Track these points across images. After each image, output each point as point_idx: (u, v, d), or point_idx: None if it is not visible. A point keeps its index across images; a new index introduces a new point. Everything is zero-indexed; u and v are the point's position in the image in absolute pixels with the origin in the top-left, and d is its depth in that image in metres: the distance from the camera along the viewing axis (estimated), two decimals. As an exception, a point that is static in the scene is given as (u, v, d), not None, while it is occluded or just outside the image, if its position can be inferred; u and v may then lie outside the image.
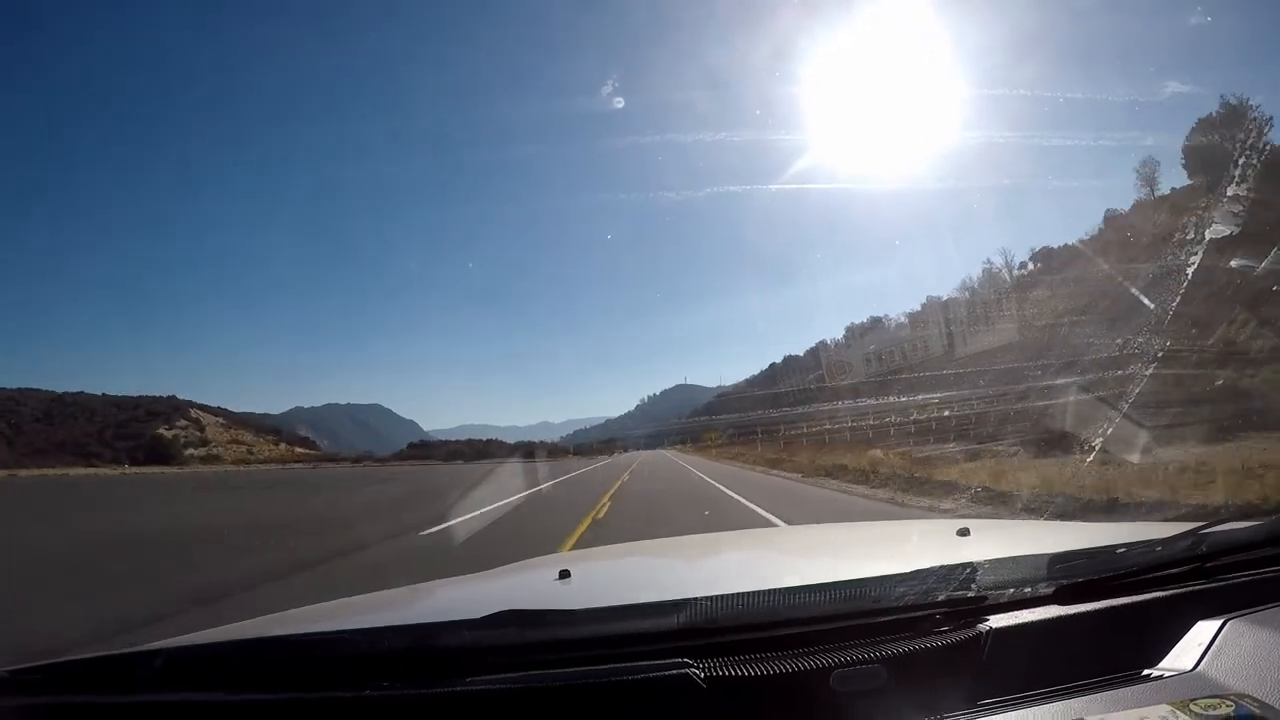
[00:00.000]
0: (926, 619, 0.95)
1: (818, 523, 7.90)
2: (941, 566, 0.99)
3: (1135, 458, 8.68)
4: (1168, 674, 0.90)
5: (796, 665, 0.88)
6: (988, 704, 0.87)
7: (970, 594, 0.97)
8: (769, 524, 8.67)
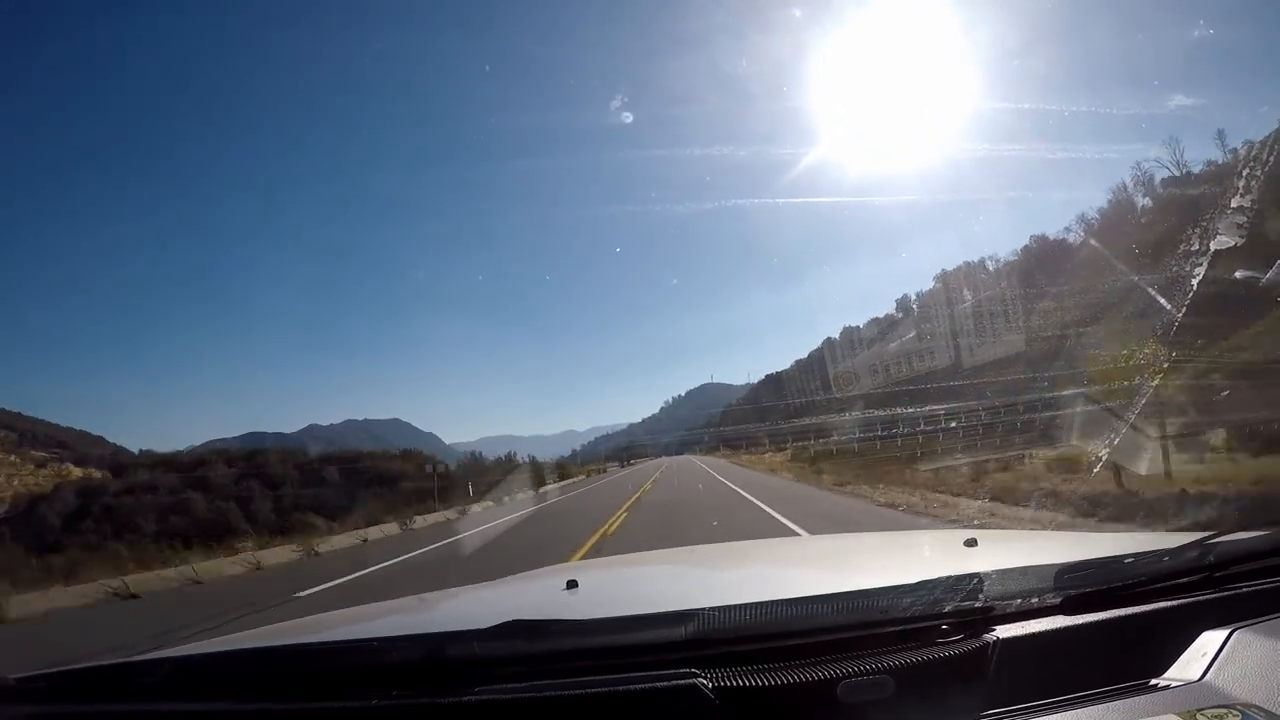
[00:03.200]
0: (934, 629, 0.95)
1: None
2: (949, 577, 1.00)
3: None
4: (1174, 684, 0.89)
5: (804, 676, 0.88)
6: (995, 714, 0.87)
7: (977, 604, 0.96)
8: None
